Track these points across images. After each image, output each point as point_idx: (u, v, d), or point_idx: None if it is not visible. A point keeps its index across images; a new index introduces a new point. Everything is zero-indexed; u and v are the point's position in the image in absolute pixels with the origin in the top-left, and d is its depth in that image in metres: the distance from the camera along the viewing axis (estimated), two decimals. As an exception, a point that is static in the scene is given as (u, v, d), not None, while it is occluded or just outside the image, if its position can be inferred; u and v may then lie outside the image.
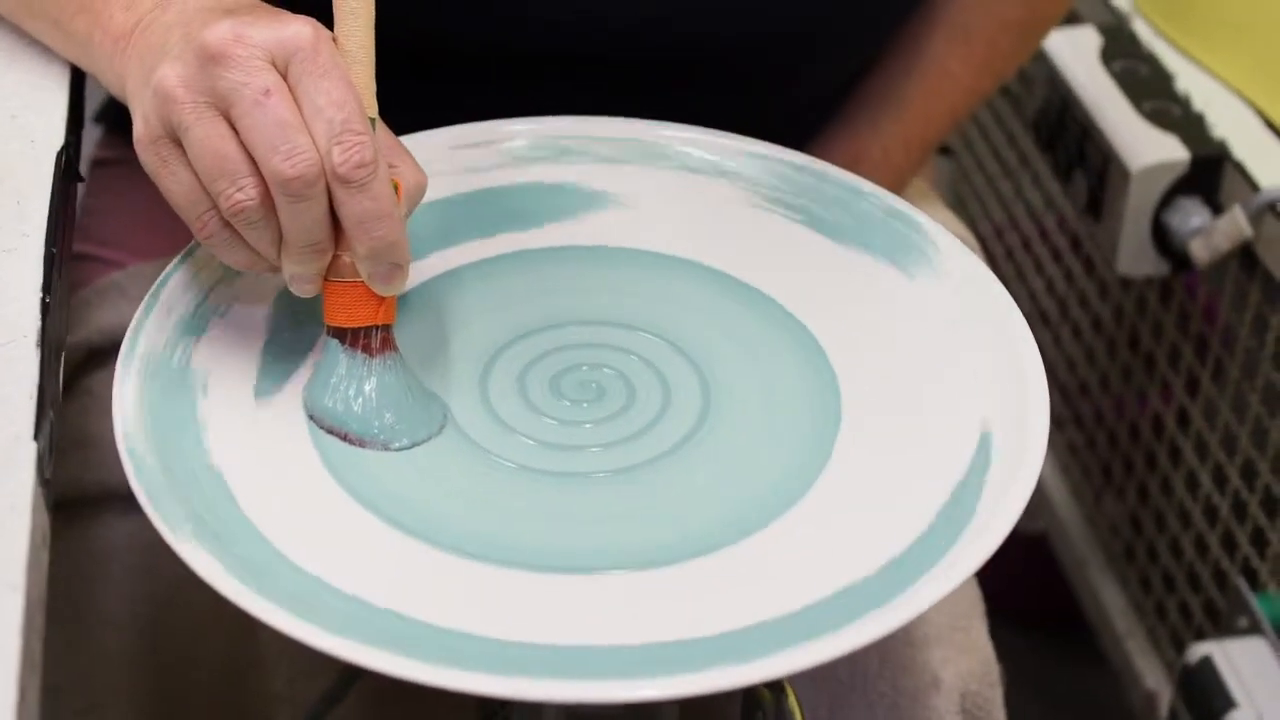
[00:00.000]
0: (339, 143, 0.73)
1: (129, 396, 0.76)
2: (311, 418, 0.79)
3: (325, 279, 0.78)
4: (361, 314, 0.78)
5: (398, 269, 0.77)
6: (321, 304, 0.79)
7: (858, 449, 0.79)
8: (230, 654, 0.97)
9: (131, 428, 0.75)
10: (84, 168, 1.11)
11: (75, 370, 1.01)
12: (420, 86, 0.97)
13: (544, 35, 0.97)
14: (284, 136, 0.73)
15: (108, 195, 1.12)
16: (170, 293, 0.82)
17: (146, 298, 0.81)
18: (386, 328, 0.79)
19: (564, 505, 0.77)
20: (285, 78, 0.74)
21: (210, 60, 0.73)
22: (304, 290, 0.78)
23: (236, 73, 0.73)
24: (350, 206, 0.75)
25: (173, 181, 0.76)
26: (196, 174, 0.75)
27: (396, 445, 0.78)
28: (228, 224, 0.76)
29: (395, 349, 0.80)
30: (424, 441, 0.78)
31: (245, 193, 0.74)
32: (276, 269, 0.78)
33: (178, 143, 0.75)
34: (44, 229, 0.80)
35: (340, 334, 0.79)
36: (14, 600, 0.65)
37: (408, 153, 0.80)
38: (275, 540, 0.73)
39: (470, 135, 0.94)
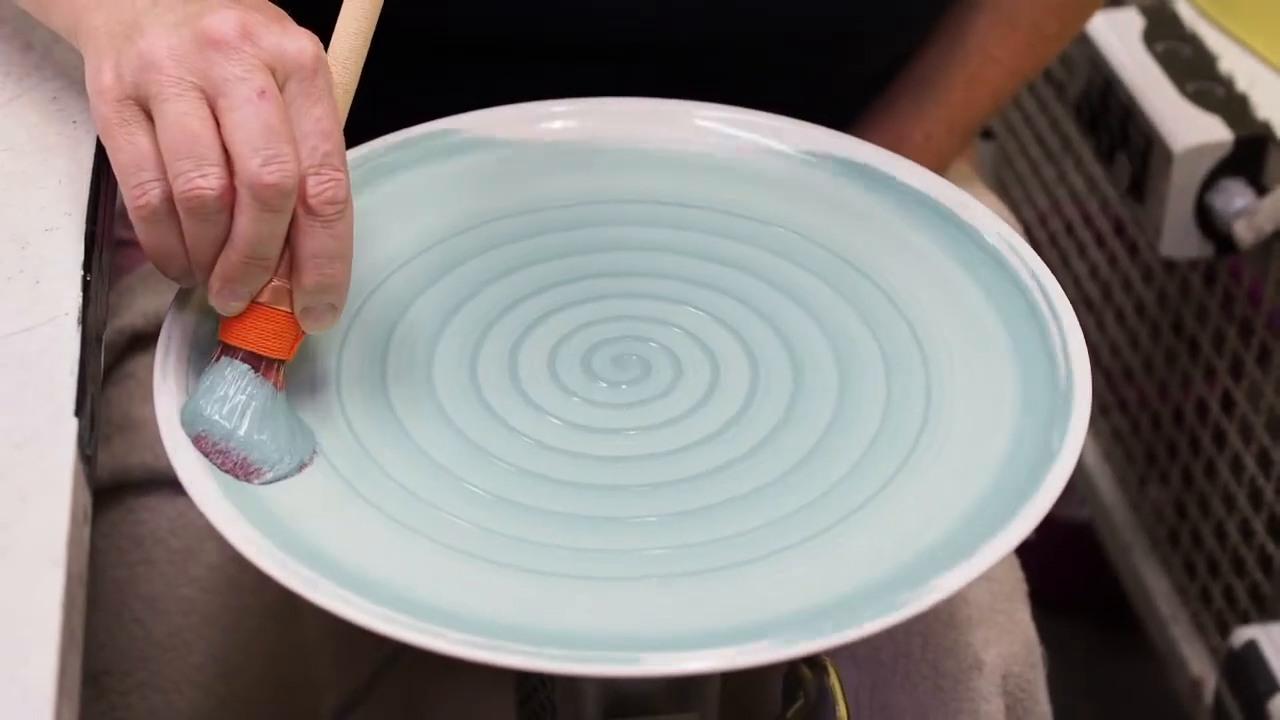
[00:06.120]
0: (317, 174, 0.72)
1: (170, 382, 0.76)
2: (195, 436, 0.75)
3: (253, 300, 0.75)
4: (276, 345, 0.75)
5: (332, 310, 0.75)
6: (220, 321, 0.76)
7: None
8: (274, 639, 0.97)
9: (172, 413, 0.75)
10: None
11: (119, 355, 1.02)
12: (460, 76, 0.97)
13: (583, 23, 0.97)
14: (269, 141, 0.71)
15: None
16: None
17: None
18: (285, 364, 0.77)
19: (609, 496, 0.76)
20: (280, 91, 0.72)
21: (210, 45, 0.72)
22: (229, 306, 0.75)
23: (235, 65, 0.72)
24: (310, 238, 0.73)
25: (126, 141, 0.73)
26: (157, 145, 0.72)
27: (259, 480, 0.75)
28: (170, 204, 0.73)
29: (284, 386, 0.77)
30: (286, 477, 0.75)
31: (208, 180, 0.71)
32: (191, 276, 0.75)
33: (145, 110, 0.73)
34: (85, 208, 0.81)
35: (253, 360, 0.76)
36: (56, 575, 0.65)
37: None
38: (313, 529, 0.73)
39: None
